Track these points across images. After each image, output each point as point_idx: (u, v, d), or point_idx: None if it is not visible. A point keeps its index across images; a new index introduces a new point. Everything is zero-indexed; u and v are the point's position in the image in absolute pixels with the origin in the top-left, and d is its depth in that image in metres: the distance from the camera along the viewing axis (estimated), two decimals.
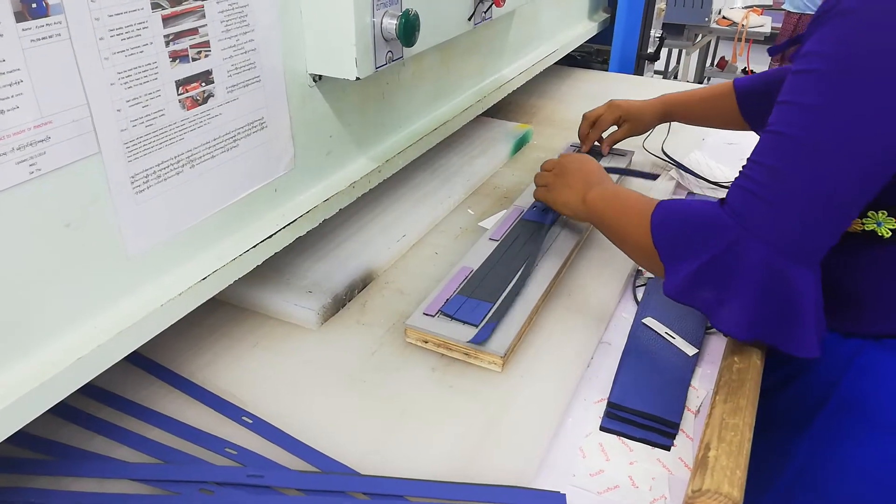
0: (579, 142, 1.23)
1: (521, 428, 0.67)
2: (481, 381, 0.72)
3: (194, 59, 0.62)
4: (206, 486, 0.59)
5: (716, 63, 4.42)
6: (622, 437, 0.68)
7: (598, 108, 1.21)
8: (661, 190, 1.15)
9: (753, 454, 0.60)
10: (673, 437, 0.67)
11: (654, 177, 1.17)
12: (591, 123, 1.20)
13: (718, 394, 0.65)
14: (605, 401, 0.71)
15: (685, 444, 0.67)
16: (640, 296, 0.89)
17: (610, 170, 1.16)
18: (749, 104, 1.05)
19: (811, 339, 0.62)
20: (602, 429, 0.69)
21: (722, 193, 1.14)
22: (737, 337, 0.65)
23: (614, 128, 1.20)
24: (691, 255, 0.65)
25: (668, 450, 0.66)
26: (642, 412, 0.68)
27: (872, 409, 0.70)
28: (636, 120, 1.18)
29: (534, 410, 0.69)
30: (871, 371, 0.70)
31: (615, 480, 0.63)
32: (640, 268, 0.94)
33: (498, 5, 0.98)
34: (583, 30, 1.68)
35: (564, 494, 0.59)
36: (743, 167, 0.63)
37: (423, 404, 0.69)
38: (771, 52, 0.85)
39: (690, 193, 1.15)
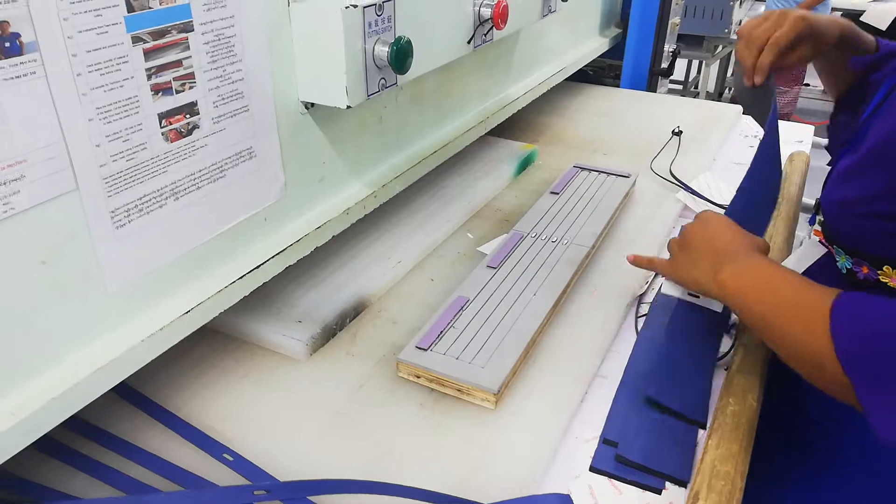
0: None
1: (508, 469, 0.65)
2: (471, 419, 0.70)
3: (178, 92, 0.61)
4: None
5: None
6: (612, 479, 0.66)
7: (761, 20, 0.87)
8: (667, 212, 1.12)
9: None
10: (664, 479, 0.65)
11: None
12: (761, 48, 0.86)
13: (711, 438, 0.63)
14: (597, 438, 0.69)
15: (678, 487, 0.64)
16: (640, 326, 0.86)
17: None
18: (858, 79, 0.88)
19: None
20: (592, 469, 0.67)
21: None
22: None
23: None
24: None
25: (659, 493, 0.64)
26: (630, 461, 0.65)
27: (870, 459, 0.67)
28: (817, 36, 0.85)
29: (523, 450, 0.67)
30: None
31: None
32: (640, 295, 0.92)
33: (498, 28, 0.97)
34: (593, 46, 1.66)
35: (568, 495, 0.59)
36: None
37: (410, 443, 0.67)
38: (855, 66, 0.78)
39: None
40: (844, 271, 0.70)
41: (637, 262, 0.86)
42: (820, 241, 0.75)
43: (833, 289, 0.57)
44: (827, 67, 0.94)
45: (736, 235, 0.73)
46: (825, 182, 0.75)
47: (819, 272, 0.75)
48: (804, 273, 0.78)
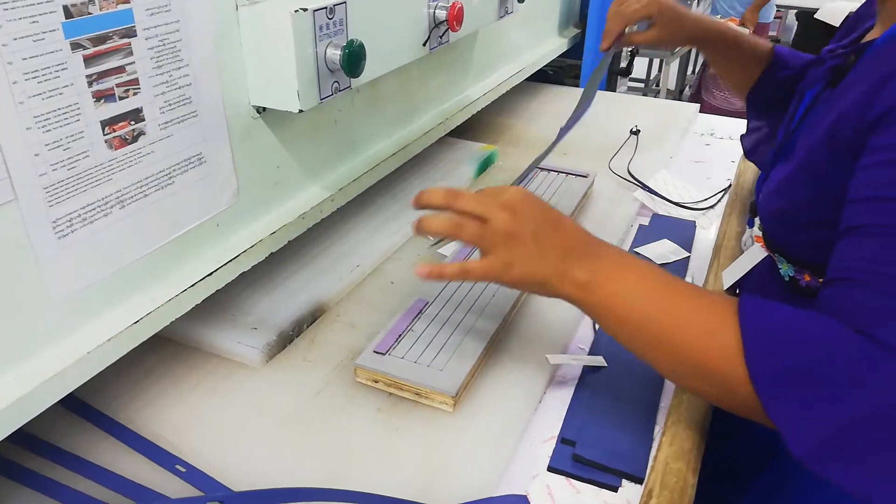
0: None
1: (467, 471, 0.65)
2: (429, 422, 0.70)
3: (122, 98, 0.60)
4: None
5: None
6: (570, 478, 0.66)
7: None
8: (625, 211, 1.14)
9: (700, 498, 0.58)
10: (621, 477, 0.65)
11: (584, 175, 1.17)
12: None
13: (665, 435, 0.63)
14: (555, 438, 0.70)
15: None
16: (598, 325, 0.87)
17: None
18: (766, 85, 0.96)
19: None
20: (550, 469, 0.67)
21: (687, 214, 1.13)
22: None
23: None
24: (828, 405, 0.48)
25: (616, 491, 0.65)
26: (588, 460, 0.66)
27: None
28: (671, 23, 0.95)
29: (482, 453, 0.67)
30: None
31: None
32: None
33: (454, 30, 0.97)
34: (552, 47, 1.67)
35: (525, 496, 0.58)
36: (871, 284, 0.50)
37: (368, 449, 0.67)
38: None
39: (655, 215, 1.14)
40: (787, 279, 0.70)
41: (429, 275, 0.65)
42: (762, 247, 0.76)
43: (719, 295, 0.56)
44: (719, 67, 1.03)
45: (572, 223, 0.62)
46: (758, 189, 0.76)
47: (762, 279, 0.76)
48: (746, 279, 0.79)
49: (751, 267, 0.78)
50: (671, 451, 0.60)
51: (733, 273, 0.82)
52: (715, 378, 0.53)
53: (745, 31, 1.06)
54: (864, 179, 0.53)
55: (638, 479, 0.64)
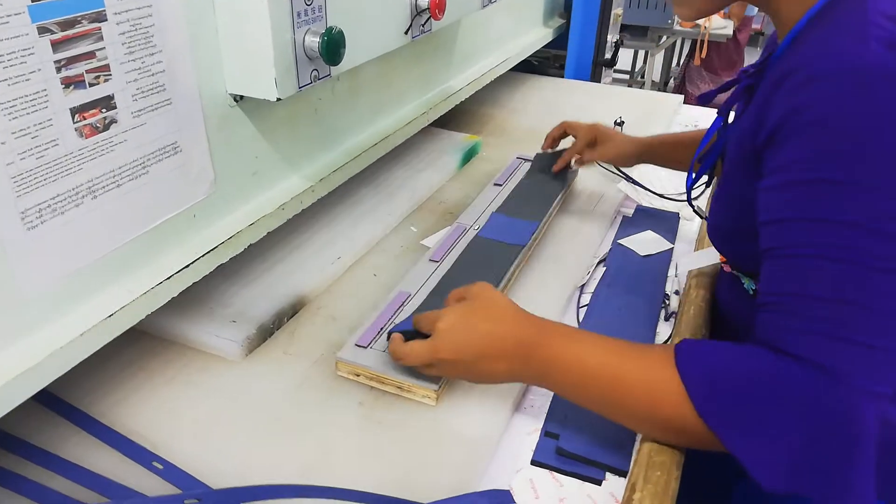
0: (535, 154, 1.17)
1: (450, 466, 0.64)
2: (412, 416, 0.69)
3: (92, 85, 0.58)
4: None
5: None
6: (553, 472, 0.65)
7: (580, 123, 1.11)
8: (608, 202, 1.13)
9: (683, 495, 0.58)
10: (604, 470, 0.65)
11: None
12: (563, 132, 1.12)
13: None
14: (538, 431, 0.69)
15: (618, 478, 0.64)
16: (581, 316, 0.87)
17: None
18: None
19: None
20: (533, 462, 0.66)
21: (671, 206, 1.13)
22: None
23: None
24: (778, 433, 0.50)
25: (599, 484, 0.64)
26: (571, 453, 0.65)
27: None
28: (612, 146, 1.06)
29: (465, 446, 0.66)
30: None
31: None
32: (582, 285, 0.92)
33: (436, 18, 0.95)
34: (537, 37, 1.66)
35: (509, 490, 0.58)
36: (784, 305, 0.52)
37: (349, 443, 0.66)
38: (701, 102, 0.83)
39: (639, 206, 1.13)
40: (751, 292, 0.71)
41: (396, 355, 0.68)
42: (724, 264, 0.77)
43: (658, 347, 0.59)
44: (673, 164, 1.05)
45: (516, 313, 0.65)
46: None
47: (731, 293, 0.76)
48: (719, 291, 0.80)
49: (706, 264, 0.82)
50: (654, 444, 0.59)
51: (689, 262, 0.86)
52: (670, 424, 0.56)
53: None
54: (765, 202, 0.55)
55: (622, 473, 0.63)
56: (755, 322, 0.55)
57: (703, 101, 0.80)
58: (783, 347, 0.52)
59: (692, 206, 0.83)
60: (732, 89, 0.71)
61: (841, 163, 0.49)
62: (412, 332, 0.69)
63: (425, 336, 0.67)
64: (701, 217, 0.88)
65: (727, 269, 0.76)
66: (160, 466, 0.62)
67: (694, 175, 0.79)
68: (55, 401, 0.69)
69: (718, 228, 0.71)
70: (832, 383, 0.49)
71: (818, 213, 0.51)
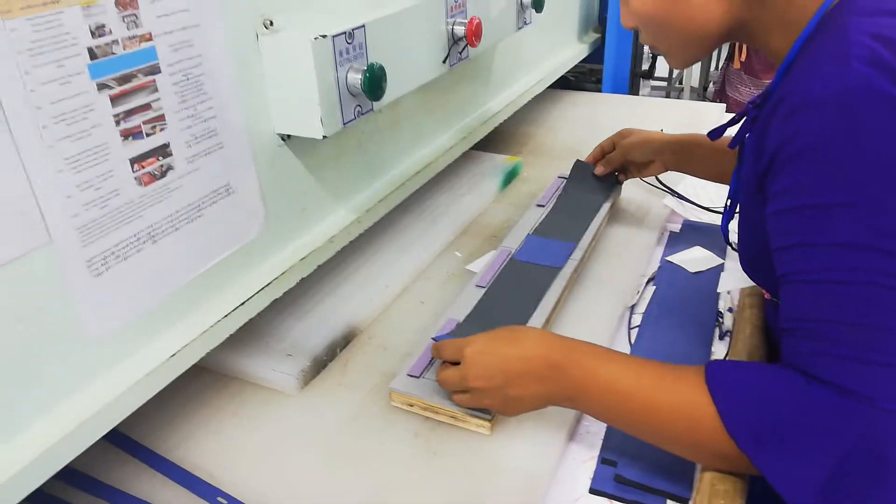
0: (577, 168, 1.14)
1: (507, 496, 0.64)
2: (467, 446, 0.69)
3: (149, 135, 0.60)
4: None
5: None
6: (612, 500, 0.65)
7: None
8: (655, 218, 1.12)
9: None
10: (665, 498, 0.64)
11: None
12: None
13: None
14: (595, 458, 0.68)
15: None
16: (633, 337, 0.86)
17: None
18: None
19: None
20: (591, 491, 0.66)
21: (718, 219, 1.11)
22: None
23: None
24: (809, 456, 0.51)
25: None
26: (630, 481, 0.65)
27: None
28: (637, 134, 1.07)
29: (521, 475, 0.66)
30: None
31: None
32: (633, 306, 0.92)
33: (473, 45, 0.96)
34: (572, 53, 1.66)
35: None
36: (803, 331, 0.53)
37: (406, 475, 0.66)
38: (711, 137, 0.82)
39: (686, 222, 1.12)
40: None
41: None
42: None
43: (691, 370, 0.59)
44: (692, 170, 1.03)
45: (543, 334, 0.67)
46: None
47: (772, 318, 0.77)
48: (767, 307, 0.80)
49: (745, 284, 0.81)
50: (716, 472, 0.58)
51: (725, 283, 0.87)
52: (705, 447, 0.57)
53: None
54: (774, 228, 0.56)
55: (683, 500, 0.62)
56: (781, 345, 0.56)
57: (713, 137, 0.81)
58: (810, 371, 0.53)
59: (729, 244, 0.84)
60: (742, 121, 0.71)
61: (838, 186, 0.50)
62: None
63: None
64: (733, 249, 0.88)
65: (767, 295, 0.75)
66: (224, 502, 0.64)
67: (727, 208, 0.78)
68: (122, 438, 0.71)
69: (746, 258, 0.71)
70: (858, 406, 0.50)
71: (825, 238, 0.51)
